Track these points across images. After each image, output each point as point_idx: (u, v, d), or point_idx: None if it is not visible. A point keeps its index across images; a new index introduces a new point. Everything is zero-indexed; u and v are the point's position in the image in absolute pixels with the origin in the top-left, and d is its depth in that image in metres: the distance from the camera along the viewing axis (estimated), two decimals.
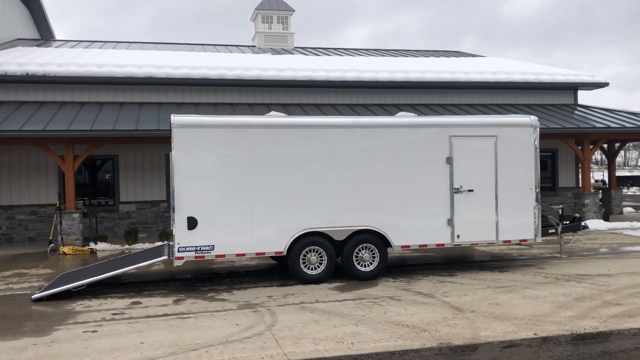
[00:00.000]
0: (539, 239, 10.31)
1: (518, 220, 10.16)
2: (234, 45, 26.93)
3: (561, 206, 12.24)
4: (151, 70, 16.81)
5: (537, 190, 10.30)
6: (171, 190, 8.81)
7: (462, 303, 7.67)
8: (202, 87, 17.57)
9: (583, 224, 11.84)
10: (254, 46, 26.61)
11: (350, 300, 7.97)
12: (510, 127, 10.20)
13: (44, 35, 28.70)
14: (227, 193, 9.00)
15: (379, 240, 9.60)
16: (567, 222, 11.87)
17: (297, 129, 9.36)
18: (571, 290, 8.34)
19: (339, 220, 9.42)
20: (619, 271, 9.81)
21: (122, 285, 9.51)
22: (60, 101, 16.44)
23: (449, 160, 9.86)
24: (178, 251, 8.80)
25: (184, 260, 8.87)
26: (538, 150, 10.35)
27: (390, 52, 26.47)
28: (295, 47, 26.88)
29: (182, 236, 8.81)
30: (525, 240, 10.24)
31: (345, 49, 26.99)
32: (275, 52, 24.50)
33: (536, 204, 10.24)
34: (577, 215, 12.02)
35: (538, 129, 10.35)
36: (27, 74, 15.75)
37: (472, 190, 9.94)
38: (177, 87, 17.37)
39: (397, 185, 9.67)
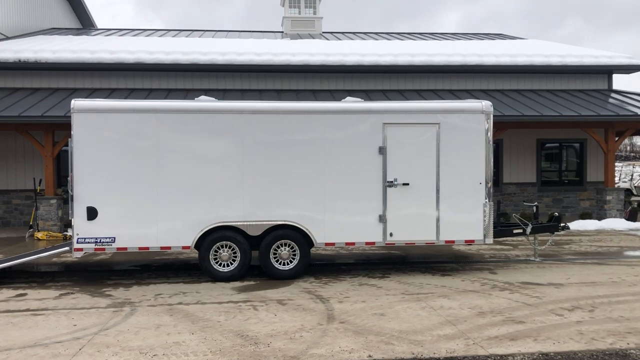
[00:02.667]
0: (490, 240, 9.10)
1: (464, 218, 9.02)
2: (262, 32, 26.49)
3: (536, 203, 10.81)
4: (178, 57, 16.52)
5: (489, 185, 9.09)
6: (70, 178, 8.42)
7: (345, 311, 6.78)
8: (228, 74, 17.28)
9: (563, 224, 10.43)
10: (282, 32, 26.08)
11: (232, 303, 7.27)
12: (455, 113, 9.04)
13: (86, 24, 29.47)
14: (131, 182, 8.49)
15: (299, 236, 8.79)
16: (539, 222, 10.50)
17: (208, 114, 8.68)
18: (490, 301, 7.22)
19: (254, 213, 8.69)
20: (577, 280, 8.49)
21: (34, 275, 9.27)
22: (67, 87, 16.54)
23: (382, 151, 8.87)
24: (77, 242, 8.41)
25: (83, 252, 8.47)
26: (491, 140, 9.12)
27: (427, 36, 25.09)
28: (323, 32, 26.10)
29: (81, 227, 8.41)
30: (472, 241, 9.08)
31: (377, 33, 25.84)
32: (300, 37, 23.84)
33: (486, 200, 9.04)
34: (556, 214, 10.59)
35: (491, 115, 9.12)
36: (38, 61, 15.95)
37: (407, 184, 8.90)
38: (203, 74, 17.22)
39: (322, 177, 8.80)
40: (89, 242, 8.44)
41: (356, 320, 6.39)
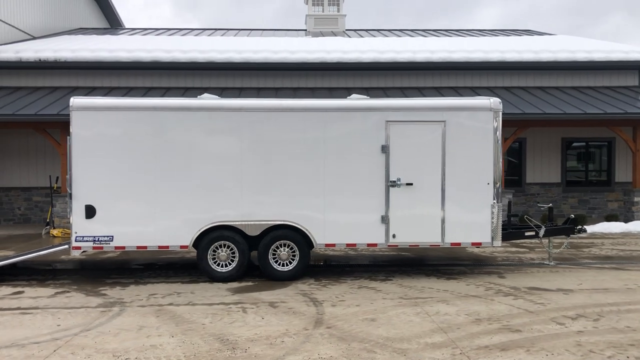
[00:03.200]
0: (497, 243, 8.74)
1: (470, 220, 8.67)
2: (287, 30, 26.37)
3: (550, 204, 10.36)
4: (195, 55, 16.54)
5: (498, 185, 8.73)
6: (68, 176, 8.38)
7: (335, 316, 6.55)
8: (245, 72, 17.18)
9: (579, 227, 9.97)
10: (305, 30, 25.92)
11: (223, 305, 7.11)
12: (462, 111, 8.69)
13: (113, 25, 29.84)
14: (129, 180, 8.41)
15: (298, 237, 8.58)
16: (554, 224, 10.06)
17: (206, 111, 8.54)
18: (490, 308, 6.89)
19: (253, 213, 8.52)
20: (589, 287, 8.07)
21: (40, 273, 9.29)
22: (85, 86, 16.68)
23: (385, 149, 8.59)
24: (75, 241, 8.37)
25: (81, 251, 8.43)
26: (500, 139, 8.76)
27: (452, 32, 24.60)
28: (346, 30, 25.84)
29: (80, 225, 8.37)
30: (479, 244, 8.73)
31: (401, 30, 25.42)
32: (322, 35, 23.64)
33: (494, 201, 8.67)
34: (572, 215, 10.12)
35: (500, 113, 8.75)
36: (56, 60, 16.16)
37: (411, 184, 8.60)
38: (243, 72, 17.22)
39: (323, 176, 8.58)
40: (87, 241, 8.39)
41: (344, 326, 6.15)
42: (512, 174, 17.60)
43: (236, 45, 18.09)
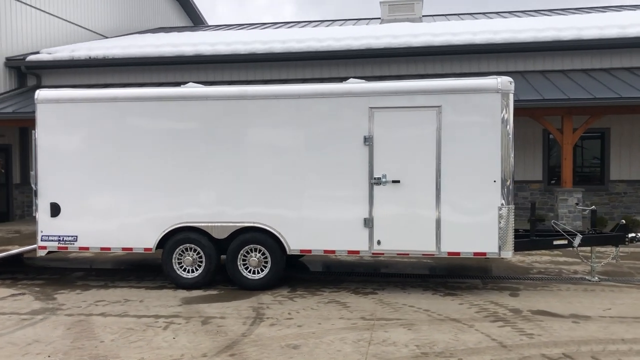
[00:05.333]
0: (508, 253, 7.17)
1: (473, 225, 7.18)
2: (356, 19, 25.22)
3: (593, 207, 8.45)
4: (257, 47, 15.73)
5: (508, 183, 7.15)
6: (33, 172, 8.00)
7: (258, 339, 5.50)
8: (307, 62, 15.97)
9: (633, 234, 8.02)
10: (379, 18, 24.59)
11: (153, 319, 6.30)
12: (462, 94, 7.20)
13: (197, 23, 30.32)
14: (93, 177, 7.87)
15: (270, 241, 7.57)
16: (598, 230, 8.17)
17: (170, 101, 7.78)
18: (458, 337, 5.49)
19: (221, 213, 7.64)
20: (615, 314, 6.32)
21: (34, 271, 9.07)
22: (136, 82, 16.66)
23: (368, 141, 7.33)
24: (41, 240, 7.98)
25: (46, 251, 8.02)
26: (511, 126, 7.17)
27: (544, 12, 22.12)
28: (424, 16, 24.15)
29: (45, 223, 7.96)
30: (484, 254, 7.20)
31: (484, 13, 23.28)
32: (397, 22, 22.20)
33: (503, 202, 7.11)
34: (623, 221, 8.18)
35: (511, 95, 7.16)
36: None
37: (398, 182, 7.27)
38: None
39: (299, 172, 7.50)
40: (52, 240, 7.97)
41: (254, 353, 5.10)
42: (589, 169, 15.27)
43: (296, 36, 17.00)
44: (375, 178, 7.32)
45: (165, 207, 7.73)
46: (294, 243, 7.52)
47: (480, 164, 7.16)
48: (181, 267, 7.78)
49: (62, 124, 7.94)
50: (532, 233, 7.85)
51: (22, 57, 16.44)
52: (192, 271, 7.76)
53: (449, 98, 7.19)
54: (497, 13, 23.29)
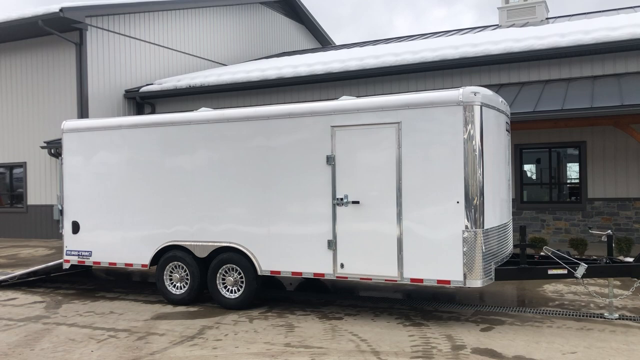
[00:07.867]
0: (476, 283, 6.43)
1: (435, 250, 6.59)
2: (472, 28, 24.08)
3: (609, 232, 7.12)
4: (389, 59, 15.59)
5: (475, 203, 6.45)
6: (59, 193, 9.03)
7: (162, 357, 5.63)
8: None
9: None
10: (498, 25, 23.24)
11: (105, 330, 6.74)
12: (420, 108, 6.66)
13: (324, 44, 31.26)
14: (105, 198, 8.66)
15: (244, 261, 7.66)
16: (614, 259, 6.90)
17: (161, 127, 8.28)
18: None
19: (201, 233, 7.94)
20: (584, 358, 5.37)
21: (83, 282, 10.17)
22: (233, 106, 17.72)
23: (330, 160, 7.12)
24: (66, 254, 8.96)
25: (70, 264, 8.97)
26: (478, 141, 6.47)
27: None
28: (548, 18, 22.32)
29: (69, 239, 8.93)
30: (448, 282, 6.54)
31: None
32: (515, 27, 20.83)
33: (468, 224, 6.43)
34: None
35: (477, 108, 6.46)
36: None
37: (357, 202, 6.94)
38: None
39: (268, 194, 7.53)
40: (74, 255, 8.90)
41: None
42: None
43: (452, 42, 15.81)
44: (337, 198, 7.07)
45: (158, 226, 8.22)
46: (265, 264, 7.53)
47: (442, 183, 6.56)
48: (172, 284, 8.19)
49: (80, 150, 8.87)
50: (523, 260, 6.93)
51: (136, 89, 18.41)
52: (181, 288, 8.12)
53: (408, 113, 6.71)
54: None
